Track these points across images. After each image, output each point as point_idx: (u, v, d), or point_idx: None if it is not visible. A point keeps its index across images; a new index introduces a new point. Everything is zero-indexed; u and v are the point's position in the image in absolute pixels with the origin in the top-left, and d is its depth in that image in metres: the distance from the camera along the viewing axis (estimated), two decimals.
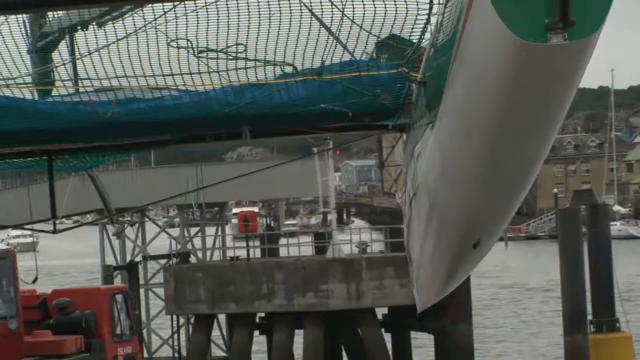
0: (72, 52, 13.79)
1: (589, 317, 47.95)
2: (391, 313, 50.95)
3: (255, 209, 59.41)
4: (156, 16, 12.57)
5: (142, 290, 51.78)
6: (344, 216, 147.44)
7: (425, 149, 12.26)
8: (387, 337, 50.66)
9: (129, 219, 54.19)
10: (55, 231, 18.72)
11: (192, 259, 53.43)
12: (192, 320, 51.86)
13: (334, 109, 13.69)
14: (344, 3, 12.01)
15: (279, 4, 11.96)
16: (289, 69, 13.50)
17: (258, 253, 52.38)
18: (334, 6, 12.16)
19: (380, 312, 50.50)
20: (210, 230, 56.36)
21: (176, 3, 11.80)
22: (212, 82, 13.74)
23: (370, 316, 49.55)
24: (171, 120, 14.33)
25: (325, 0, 11.99)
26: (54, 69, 14.18)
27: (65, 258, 43.57)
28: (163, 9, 12.19)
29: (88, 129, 14.26)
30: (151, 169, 55.69)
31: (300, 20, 12.38)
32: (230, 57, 13.14)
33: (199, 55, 13.13)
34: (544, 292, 73.82)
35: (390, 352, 50.33)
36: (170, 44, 13.09)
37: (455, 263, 13.80)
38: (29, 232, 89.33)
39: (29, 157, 16.56)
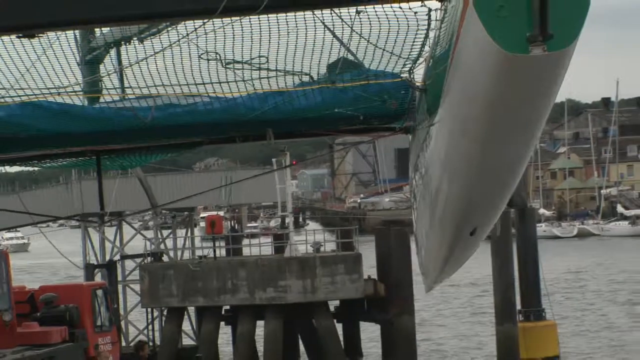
0: (118, 64, 13.89)
1: (518, 308, 48.16)
2: (342, 305, 51.01)
3: (221, 213, 59.31)
4: (188, 32, 12.65)
5: (120, 286, 51.64)
6: (300, 219, 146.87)
7: (427, 148, 12.50)
8: (339, 327, 50.65)
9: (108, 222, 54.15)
10: (102, 223, 18.68)
11: (165, 258, 53.46)
12: (165, 312, 51.76)
13: (346, 113, 13.94)
14: (352, 19, 12.16)
15: (295, 20, 12.14)
16: (306, 78, 13.65)
17: (223, 252, 52.42)
18: (343, 22, 12.31)
19: (333, 304, 50.46)
20: (180, 232, 56.37)
21: (205, 20, 11.80)
22: (239, 90, 13.85)
23: (323, 308, 49.57)
24: (204, 123, 14.48)
25: (336, 17, 12.18)
26: (101, 79, 14.30)
27: (55, 257, 43.46)
28: (194, 25, 12.34)
29: (131, 131, 14.44)
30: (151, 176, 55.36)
31: (314, 35, 12.51)
32: (254, 68, 13.26)
33: (227, 66, 13.25)
34: (477, 286, 74.08)
35: (342, 341, 50.39)
36: (202, 56, 13.24)
37: (456, 249, 14.05)
38: (20, 235, 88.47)
39: (80, 157, 16.55)
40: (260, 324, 49.64)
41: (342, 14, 12.13)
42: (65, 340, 28.18)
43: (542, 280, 49.50)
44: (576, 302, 70.07)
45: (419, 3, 11.18)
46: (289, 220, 57.43)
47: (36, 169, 17.90)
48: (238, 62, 13.19)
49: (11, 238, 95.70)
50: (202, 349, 49.25)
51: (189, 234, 56.31)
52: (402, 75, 13.44)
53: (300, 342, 50.94)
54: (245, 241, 56.53)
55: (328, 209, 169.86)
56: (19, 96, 13.53)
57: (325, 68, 13.52)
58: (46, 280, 30.97)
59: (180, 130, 14.63)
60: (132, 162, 17.58)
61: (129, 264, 54.05)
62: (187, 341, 51.86)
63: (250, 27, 12.18)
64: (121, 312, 50.80)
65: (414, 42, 12.68)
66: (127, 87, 14.24)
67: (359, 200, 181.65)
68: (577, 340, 53.82)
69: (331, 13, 11.97)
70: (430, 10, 11.52)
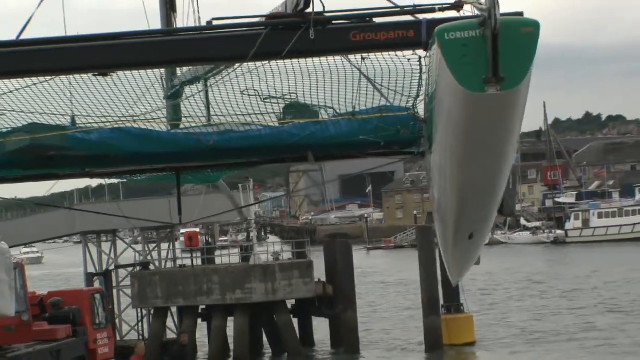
0: (205, 97, 13.94)
1: (441, 303, 48.31)
2: (297, 304, 50.86)
3: (197, 230, 59.11)
4: (237, 74, 12.78)
5: (114, 291, 51.48)
6: (262, 233, 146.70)
7: (431, 169, 12.57)
8: (295, 322, 50.54)
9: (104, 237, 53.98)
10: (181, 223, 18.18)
11: (151, 267, 53.25)
12: (152, 311, 51.55)
13: (369, 140, 13.83)
14: (359, 64, 12.13)
15: (320, 63, 12.10)
16: (330, 111, 13.62)
17: (199, 262, 52.26)
18: (354, 67, 12.39)
19: (290, 303, 50.40)
20: (164, 246, 56.15)
21: (239, 64, 11.96)
22: (278, 120, 13.85)
23: (282, 306, 49.46)
24: (255, 147, 14.34)
25: (347, 64, 12.18)
26: (180, 108, 14.37)
27: (64, 267, 43.02)
28: (241, 69, 12.43)
29: (197, 152, 14.29)
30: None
31: (330, 75, 12.47)
32: (287, 102, 13.25)
33: (264, 100, 13.26)
34: (407, 286, 74.11)
35: (298, 333, 50.34)
36: (242, 92, 13.23)
37: (460, 250, 14.02)
38: (35, 249, 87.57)
39: (162, 172, 16.55)
40: (230, 320, 49.51)
41: (351, 59, 12.20)
42: (69, 336, 28.04)
43: (460, 280, 49.72)
44: (489, 298, 70.37)
45: (411, 52, 11.32)
46: (253, 234, 57.48)
47: (125, 181, 17.97)
48: (273, 97, 13.13)
49: (27, 252, 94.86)
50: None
51: (171, 247, 56.04)
52: (407, 109, 13.40)
53: (264, 335, 50.82)
54: (218, 252, 56.28)
55: (285, 225, 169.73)
56: (109, 122, 13.59)
57: (345, 102, 13.58)
58: (56, 286, 30.73)
59: (236, 152, 14.57)
60: (210, 177, 17.50)
61: (122, 272, 53.81)
62: (171, 335, 51.60)
63: (278, 69, 12.20)
64: (115, 312, 50.63)
65: (411, 82, 12.71)
66: (195, 117, 14.21)
67: (310, 217, 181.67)
68: (490, 329, 53.98)
69: (342, 59, 11.92)
70: (420, 57, 11.61)
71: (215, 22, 11.47)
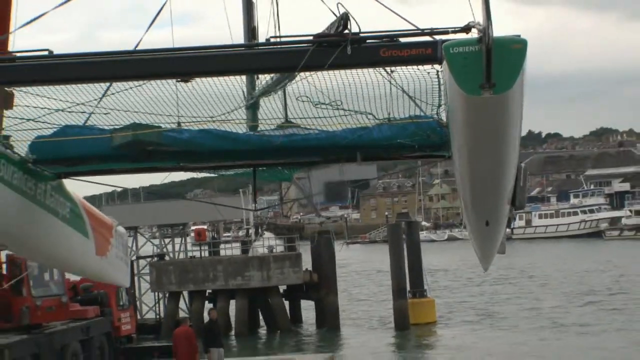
0: (284, 104, 13.96)
1: (408, 289, 48.34)
2: (288, 289, 50.82)
3: (205, 227, 59.02)
4: (287, 81, 13.00)
5: (136, 278, 51.34)
6: (259, 230, 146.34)
7: (454, 168, 12.48)
8: (287, 304, 50.56)
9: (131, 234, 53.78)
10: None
11: (167, 258, 53.14)
12: (167, 295, 51.46)
13: (406, 143, 13.69)
14: (391, 75, 12.11)
15: (359, 76, 12.08)
16: (370, 117, 13.55)
17: (207, 254, 52.20)
18: (385, 79, 12.25)
19: (282, 288, 50.36)
20: (177, 240, 56.04)
21: (309, 74, 11.96)
22: (329, 124, 13.80)
23: (275, 291, 49.44)
24: (314, 147, 14.19)
25: (379, 76, 12.10)
26: (257, 114, 14.35)
27: None
28: (298, 79, 12.50)
29: (267, 151, 14.14)
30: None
31: (373, 86, 12.42)
32: (334, 108, 13.25)
33: (315, 106, 13.27)
34: (383, 273, 74.16)
35: (288, 313, 50.31)
36: (297, 99, 13.24)
37: (481, 237, 14.06)
38: None
39: (240, 169, 16.40)
40: (232, 302, 49.43)
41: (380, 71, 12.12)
42: (97, 315, 27.99)
43: (424, 270, 49.85)
44: (448, 284, 70.40)
45: (430, 66, 11.40)
46: (252, 231, 57.42)
47: (214, 175, 17.56)
48: (322, 103, 13.03)
49: None
50: (192, 320, 48.93)
51: (183, 241, 55.94)
52: (432, 117, 13.37)
53: (260, 314, 50.74)
54: (222, 246, 56.21)
55: (278, 223, 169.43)
56: (198, 122, 13.59)
57: (382, 109, 13.50)
58: None
59: (299, 151, 14.31)
60: (280, 175, 17.28)
61: (142, 262, 53.71)
62: (182, 314, 51.51)
63: (324, 78, 12.12)
64: (137, 295, 50.50)
65: (432, 92, 12.66)
66: (267, 119, 14.21)
67: (299, 217, 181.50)
68: (449, 311, 54.00)
69: (375, 73, 11.96)
70: (437, 71, 11.63)
71: (272, 39, 11.94)
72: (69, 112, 13.01)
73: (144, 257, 53.90)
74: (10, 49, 14.46)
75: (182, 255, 53.97)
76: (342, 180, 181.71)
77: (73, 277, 31.65)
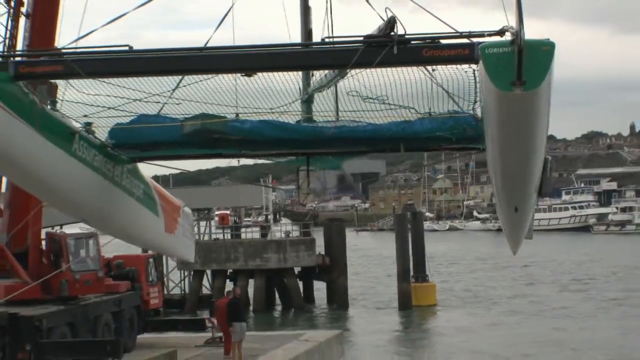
0: (335, 99, 14.14)
1: (412, 274, 48.32)
2: (302, 270, 50.79)
3: (228, 212, 59.06)
4: (336, 78, 13.17)
5: (164, 257, 51.37)
6: (277, 216, 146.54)
7: (488, 159, 12.54)
8: (300, 284, 50.50)
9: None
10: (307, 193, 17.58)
11: None
12: (192, 273, 51.55)
13: (445, 136, 13.75)
14: (432, 74, 12.24)
15: (403, 75, 12.25)
16: (412, 111, 13.58)
17: (229, 237, 52.19)
18: (427, 78, 12.44)
19: (296, 269, 50.36)
20: (202, 223, 56.09)
21: (340, 70, 12.29)
22: (375, 117, 13.91)
23: (291, 272, 49.50)
24: (363, 138, 14.25)
25: (421, 74, 12.27)
26: (311, 108, 14.53)
27: None
28: (350, 75, 12.61)
29: (319, 141, 14.29)
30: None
31: (415, 84, 12.56)
32: (380, 102, 13.18)
33: (364, 100, 13.23)
34: (389, 258, 74.13)
35: (302, 292, 50.29)
36: (348, 93, 13.39)
37: (511, 222, 14.08)
38: None
39: (295, 157, 16.50)
40: (251, 281, 49.34)
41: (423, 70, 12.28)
42: (128, 290, 27.85)
43: (427, 257, 49.79)
44: (449, 271, 70.32)
45: (467, 66, 11.46)
46: (270, 217, 57.40)
47: (271, 161, 17.61)
48: (370, 98, 13.10)
49: None
50: (214, 296, 48.98)
51: (207, 225, 55.98)
52: (469, 112, 13.41)
53: (276, 293, 50.75)
54: (243, 230, 56.25)
55: (295, 210, 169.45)
56: (258, 113, 13.73)
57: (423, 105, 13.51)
58: (123, 251, 30.70)
59: (348, 141, 14.45)
60: (331, 163, 17.22)
61: None
62: (205, 291, 51.61)
63: (371, 76, 12.28)
64: (164, 272, 50.53)
65: (469, 90, 12.71)
66: (320, 112, 14.40)
67: (314, 205, 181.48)
68: (448, 294, 53.94)
69: (419, 71, 12.08)
70: (474, 70, 11.68)
71: (327, 39, 12.14)
72: (145, 102, 13.20)
73: None
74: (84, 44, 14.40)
75: (206, 238, 53.97)
76: (353, 172, 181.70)
77: (107, 255, 31.65)
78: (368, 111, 13.64)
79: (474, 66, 11.32)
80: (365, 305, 51.37)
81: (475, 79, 12.01)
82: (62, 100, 12.45)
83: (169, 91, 12.92)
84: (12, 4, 25.22)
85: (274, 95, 13.13)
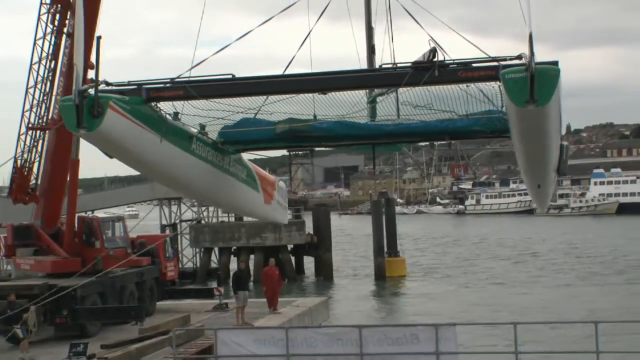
0: (396, 104, 14.58)
1: (385, 250, 48.37)
2: (295, 247, 50.73)
3: None
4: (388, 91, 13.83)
5: (179, 236, 51.25)
6: None
7: (514, 148, 13.26)
8: (293, 259, 50.48)
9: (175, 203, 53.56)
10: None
11: (203, 222, 53.01)
12: (202, 250, 51.42)
13: (481, 129, 14.44)
14: (466, 89, 12.80)
15: (445, 89, 12.90)
16: (453, 114, 14.18)
17: (233, 219, 52.10)
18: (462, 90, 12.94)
19: (289, 247, 50.32)
20: (211, 208, 55.92)
21: (395, 87, 12.88)
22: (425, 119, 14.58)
23: (285, 248, 49.45)
24: (414, 132, 14.96)
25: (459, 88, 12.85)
26: (375, 111, 14.98)
27: (149, 220, 42.69)
28: (404, 90, 13.15)
29: (381, 135, 15.12)
30: None
31: (459, 93, 13.14)
32: (428, 108, 13.87)
33: (415, 107, 13.89)
34: (364, 237, 74.16)
35: (294, 265, 50.27)
36: (402, 103, 14.07)
37: (534, 194, 15.49)
38: (134, 208, 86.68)
39: (362, 146, 17.95)
40: (252, 257, 49.20)
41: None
42: (149, 264, 27.84)
43: (398, 235, 49.87)
44: (417, 247, 70.32)
45: (494, 82, 12.03)
46: None
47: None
48: (420, 106, 13.80)
49: (128, 210, 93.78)
50: (221, 269, 48.98)
51: (215, 209, 55.81)
52: (498, 112, 13.95)
53: None
54: None
55: (289, 197, 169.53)
56: (335, 116, 14.56)
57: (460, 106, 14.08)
58: (145, 231, 30.56)
59: (404, 135, 15.28)
60: (392, 148, 18.33)
61: (184, 224, 53.61)
62: (213, 265, 51.52)
63: (421, 91, 12.93)
64: (179, 249, 50.42)
65: (496, 96, 13.25)
66: (383, 116, 15.04)
67: (304, 193, 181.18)
68: (417, 267, 54.01)
69: (458, 87, 12.70)
70: (499, 85, 12.11)
71: (384, 66, 12.85)
72: (245, 114, 14.43)
73: (185, 221, 53.76)
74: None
75: (214, 220, 53.84)
76: (336, 166, 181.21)
77: (132, 234, 31.57)
78: (418, 115, 14.38)
79: (498, 82, 11.85)
80: (346, 275, 51.49)
81: (500, 91, 12.59)
82: (182, 114, 13.63)
83: (260, 106, 13.99)
84: (56, 23, 25.08)
85: (343, 105, 13.97)
